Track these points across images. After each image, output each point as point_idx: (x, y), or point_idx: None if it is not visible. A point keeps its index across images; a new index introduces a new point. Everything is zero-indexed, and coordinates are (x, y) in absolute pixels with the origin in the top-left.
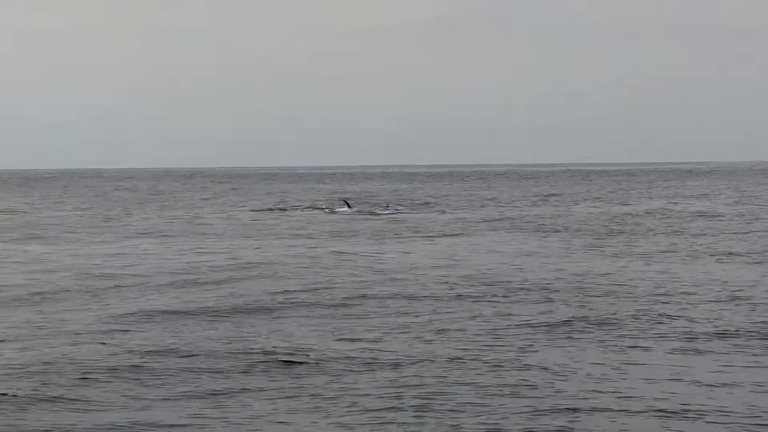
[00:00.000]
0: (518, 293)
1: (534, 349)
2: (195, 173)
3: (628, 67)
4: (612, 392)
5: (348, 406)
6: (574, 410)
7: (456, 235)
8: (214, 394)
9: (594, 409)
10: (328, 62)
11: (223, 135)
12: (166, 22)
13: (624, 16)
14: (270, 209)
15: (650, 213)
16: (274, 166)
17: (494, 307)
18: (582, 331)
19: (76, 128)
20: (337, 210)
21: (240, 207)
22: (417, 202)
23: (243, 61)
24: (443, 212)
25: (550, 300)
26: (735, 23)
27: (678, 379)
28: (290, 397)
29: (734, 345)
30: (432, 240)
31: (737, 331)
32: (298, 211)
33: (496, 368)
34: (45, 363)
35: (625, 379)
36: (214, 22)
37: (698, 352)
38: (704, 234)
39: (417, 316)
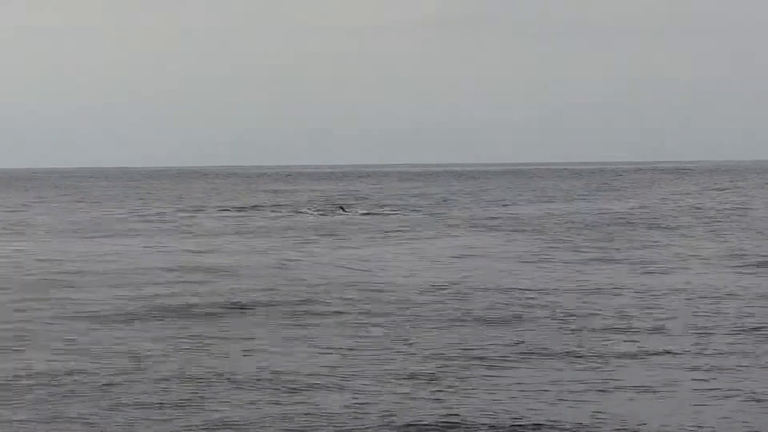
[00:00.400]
0: (488, 301)
1: (505, 365)
2: (192, 172)
3: (627, 66)
4: (584, 409)
5: (307, 415)
6: (545, 427)
7: (439, 237)
8: (179, 404)
9: (567, 425)
10: (329, 62)
11: (223, 134)
12: (167, 22)
13: (623, 15)
14: (241, 208)
15: (638, 212)
16: (272, 165)
17: (461, 317)
18: (555, 345)
19: (76, 127)
20: (304, 211)
21: (218, 205)
22: (406, 201)
23: (243, 61)
24: (431, 213)
25: (523, 307)
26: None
27: (655, 395)
28: (251, 403)
29: (711, 359)
30: (411, 241)
31: (715, 345)
32: (284, 210)
33: (465, 384)
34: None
35: (600, 396)
36: (214, 22)
37: (676, 365)
38: (689, 236)
39: (377, 326)
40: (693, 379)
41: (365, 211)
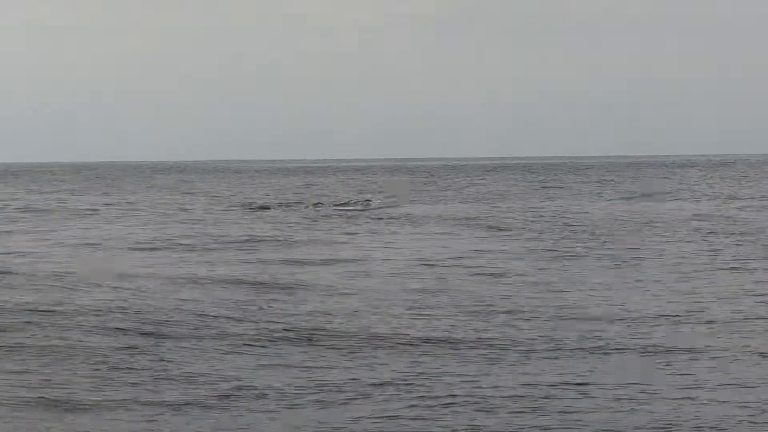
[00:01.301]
0: (453, 311)
1: (471, 373)
2: (190, 168)
3: (625, 64)
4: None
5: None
6: None
7: (413, 233)
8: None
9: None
10: (328, 62)
11: (223, 133)
12: (166, 21)
13: (621, 14)
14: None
15: (625, 211)
16: (270, 160)
17: (412, 322)
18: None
19: (76, 125)
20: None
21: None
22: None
23: (242, 61)
24: (417, 205)
25: (481, 313)
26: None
27: (633, 399)
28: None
29: (687, 362)
30: (384, 236)
31: (690, 342)
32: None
33: (424, 398)
34: None
35: (573, 402)
36: (214, 22)
37: (651, 367)
38: (673, 234)
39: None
40: (672, 382)
41: (340, 205)
